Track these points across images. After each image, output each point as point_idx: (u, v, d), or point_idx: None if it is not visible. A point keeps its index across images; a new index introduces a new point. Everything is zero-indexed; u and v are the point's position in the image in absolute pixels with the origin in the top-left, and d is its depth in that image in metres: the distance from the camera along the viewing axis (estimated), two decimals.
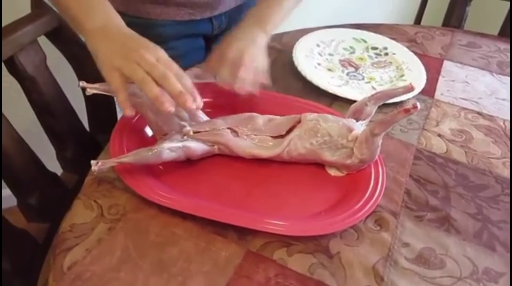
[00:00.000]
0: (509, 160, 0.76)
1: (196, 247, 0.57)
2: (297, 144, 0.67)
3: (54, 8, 0.77)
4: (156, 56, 0.62)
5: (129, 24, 0.91)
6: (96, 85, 0.65)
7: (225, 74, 0.72)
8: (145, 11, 0.90)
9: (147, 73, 0.59)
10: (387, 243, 0.60)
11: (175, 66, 0.62)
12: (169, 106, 0.58)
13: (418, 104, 0.59)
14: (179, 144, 0.64)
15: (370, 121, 0.71)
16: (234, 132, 0.69)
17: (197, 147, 0.66)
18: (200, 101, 0.61)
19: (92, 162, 0.61)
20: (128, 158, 0.62)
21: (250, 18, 0.81)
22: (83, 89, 0.65)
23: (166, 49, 0.94)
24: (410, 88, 0.66)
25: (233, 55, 0.72)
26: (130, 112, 0.60)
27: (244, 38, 0.76)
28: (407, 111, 0.60)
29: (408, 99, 0.86)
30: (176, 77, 0.60)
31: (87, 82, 0.64)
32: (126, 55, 0.61)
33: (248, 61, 0.72)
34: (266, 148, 0.68)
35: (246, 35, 0.77)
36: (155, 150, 0.62)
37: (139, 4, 0.89)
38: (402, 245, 0.60)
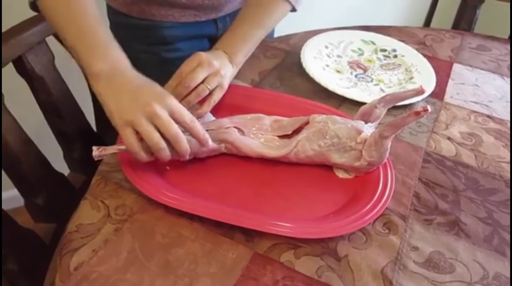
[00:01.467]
0: None
1: (203, 249, 0.57)
2: (305, 146, 0.66)
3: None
4: (168, 106, 0.60)
5: (133, 26, 0.91)
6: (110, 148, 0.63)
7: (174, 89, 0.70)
8: (150, 13, 0.90)
9: (160, 130, 0.59)
10: (396, 247, 0.59)
11: (187, 114, 0.62)
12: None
13: (429, 107, 0.58)
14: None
15: (379, 123, 0.70)
16: (241, 131, 0.68)
17: None
18: (211, 143, 0.65)
19: (94, 147, 0.61)
20: None
21: (220, 48, 0.79)
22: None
23: (171, 51, 0.95)
24: (420, 91, 0.65)
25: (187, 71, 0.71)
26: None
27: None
28: (417, 113, 0.59)
29: (417, 101, 0.85)
30: (188, 125, 0.62)
31: None
32: (138, 110, 0.59)
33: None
34: (273, 148, 0.68)
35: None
36: None
37: (143, 5, 0.89)
38: (411, 248, 0.60)
